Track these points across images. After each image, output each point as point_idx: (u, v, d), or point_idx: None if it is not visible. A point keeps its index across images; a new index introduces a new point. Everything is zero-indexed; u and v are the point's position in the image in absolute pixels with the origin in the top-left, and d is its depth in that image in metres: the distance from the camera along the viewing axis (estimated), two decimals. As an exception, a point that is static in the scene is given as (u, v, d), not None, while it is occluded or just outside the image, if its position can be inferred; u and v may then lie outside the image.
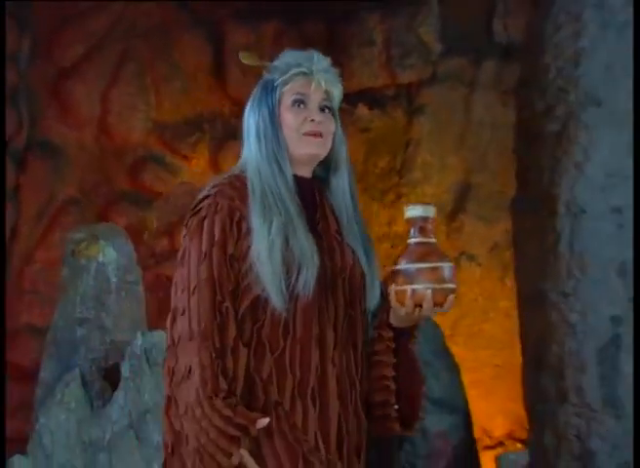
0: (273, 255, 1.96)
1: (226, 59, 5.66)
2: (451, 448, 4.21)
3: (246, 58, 2.16)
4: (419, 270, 1.95)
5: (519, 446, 5.38)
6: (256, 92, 2.14)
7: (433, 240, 2.00)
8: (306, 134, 2.07)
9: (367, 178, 5.68)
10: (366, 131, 5.68)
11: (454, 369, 4.35)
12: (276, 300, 1.95)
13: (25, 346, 5.24)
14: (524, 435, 4.89)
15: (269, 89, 2.10)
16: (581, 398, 3.85)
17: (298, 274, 1.97)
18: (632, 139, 4.03)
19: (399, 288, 1.96)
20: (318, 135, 2.07)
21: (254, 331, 1.98)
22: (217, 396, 1.90)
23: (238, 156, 2.17)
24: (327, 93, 2.09)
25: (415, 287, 1.94)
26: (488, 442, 5.45)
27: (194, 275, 1.98)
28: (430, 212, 2.01)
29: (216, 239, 1.99)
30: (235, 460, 1.90)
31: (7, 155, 5.26)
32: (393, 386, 2.06)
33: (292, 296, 1.97)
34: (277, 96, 2.08)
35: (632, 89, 4.02)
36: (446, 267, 1.96)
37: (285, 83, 2.08)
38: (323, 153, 2.11)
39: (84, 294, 3.64)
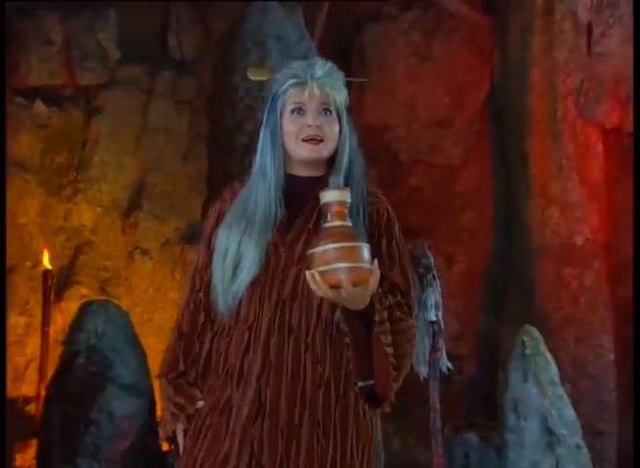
0: (226, 260, 2.15)
1: None
2: (136, 429, 4.55)
3: (253, 74, 2.23)
4: (323, 252, 1.94)
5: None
6: (265, 103, 2.24)
7: (348, 223, 1.99)
8: (304, 139, 2.15)
9: (44, 173, 5.73)
10: (43, 127, 5.71)
11: (142, 355, 4.55)
12: (218, 301, 2.17)
13: None
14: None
15: (273, 100, 2.20)
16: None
17: (236, 275, 2.13)
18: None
19: (308, 271, 1.97)
20: (316, 141, 2.15)
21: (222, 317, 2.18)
22: (164, 376, 2.20)
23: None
24: (326, 97, 2.16)
25: (321, 268, 1.94)
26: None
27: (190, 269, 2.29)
28: (344, 196, 2.00)
29: (205, 237, 2.24)
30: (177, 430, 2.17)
31: None
32: (351, 366, 2.11)
33: (237, 290, 2.13)
34: (280, 105, 2.18)
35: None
36: (353, 247, 1.94)
37: (284, 93, 2.17)
38: (321, 156, 2.17)
39: None
